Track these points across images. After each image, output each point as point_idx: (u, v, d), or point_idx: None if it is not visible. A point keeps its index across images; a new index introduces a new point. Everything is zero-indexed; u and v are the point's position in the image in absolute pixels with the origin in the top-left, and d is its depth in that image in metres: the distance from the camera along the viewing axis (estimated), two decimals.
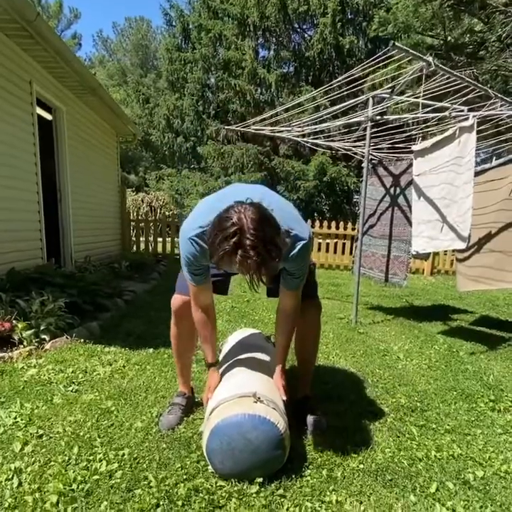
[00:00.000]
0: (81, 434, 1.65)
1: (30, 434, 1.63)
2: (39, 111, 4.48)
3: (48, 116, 4.89)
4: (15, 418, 1.74)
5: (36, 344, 2.51)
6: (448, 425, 1.88)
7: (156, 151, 20.45)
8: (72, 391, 2.03)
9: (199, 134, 14.49)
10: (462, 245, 3.05)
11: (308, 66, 13.03)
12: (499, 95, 3.20)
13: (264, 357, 1.87)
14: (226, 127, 5.95)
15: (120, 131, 7.17)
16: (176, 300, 1.73)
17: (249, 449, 1.39)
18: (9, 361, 2.33)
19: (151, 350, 2.64)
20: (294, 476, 1.43)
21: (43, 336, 2.55)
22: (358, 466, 1.52)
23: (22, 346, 2.48)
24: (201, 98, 14.16)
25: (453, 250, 6.14)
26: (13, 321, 2.52)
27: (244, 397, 1.47)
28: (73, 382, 2.12)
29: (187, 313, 1.67)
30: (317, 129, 4.20)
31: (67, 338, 2.64)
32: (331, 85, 3.57)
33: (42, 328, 2.55)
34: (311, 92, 4.20)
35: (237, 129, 4.76)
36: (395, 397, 2.14)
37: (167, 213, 8.97)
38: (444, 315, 4.31)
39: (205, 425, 1.51)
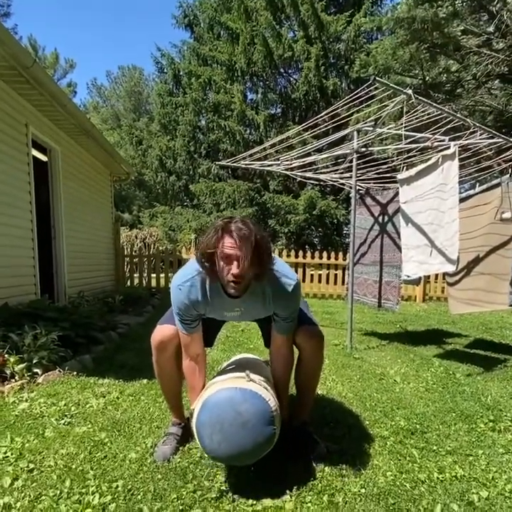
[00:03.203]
0: (73, 466, 1.60)
1: (21, 468, 1.58)
2: (34, 152, 4.59)
3: (44, 158, 5.02)
4: (4, 453, 1.69)
5: (28, 378, 2.46)
6: (449, 446, 1.86)
7: (149, 190, 20.85)
8: (64, 424, 1.98)
9: (191, 173, 14.83)
10: (451, 268, 3.11)
11: (295, 107, 13.63)
12: (477, 124, 3.37)
13: (262, 370, 1.87)
14: (217, 163, 6.15)
15: (114, 170, 7.34)
16: (156, 332, 1.71)
17: (239, 422, 1.38)
18: (0, 396, 2.27)
19: (145, 380, 2.58)
20: (294, 503, 1.39)
21: (36, 370, 2.50)
22: (359, 491, 1.48)
23: (14, 380, 2.43)
24: (192, 139, 14.60)
25: (443, 276, 6.22)
26: (5, 355, 2.48)
27: (238, 378, 1.51)
28: (65, 415, 2.06)
29: (166, 347, 1.68)
30: (306, 162, 4.34)
31: (59, 371, 2.60)
32: (316, 120, 3.74)
33: (34, 361, 2.51)
34: (299, 131, 4.37)
35: (228, 164, 4.91)
36: (393, 420, 2.11)
37: (161, 248, 9.00)
38: (438, 339, 4.31)
39: (197, 402, 1.52)
